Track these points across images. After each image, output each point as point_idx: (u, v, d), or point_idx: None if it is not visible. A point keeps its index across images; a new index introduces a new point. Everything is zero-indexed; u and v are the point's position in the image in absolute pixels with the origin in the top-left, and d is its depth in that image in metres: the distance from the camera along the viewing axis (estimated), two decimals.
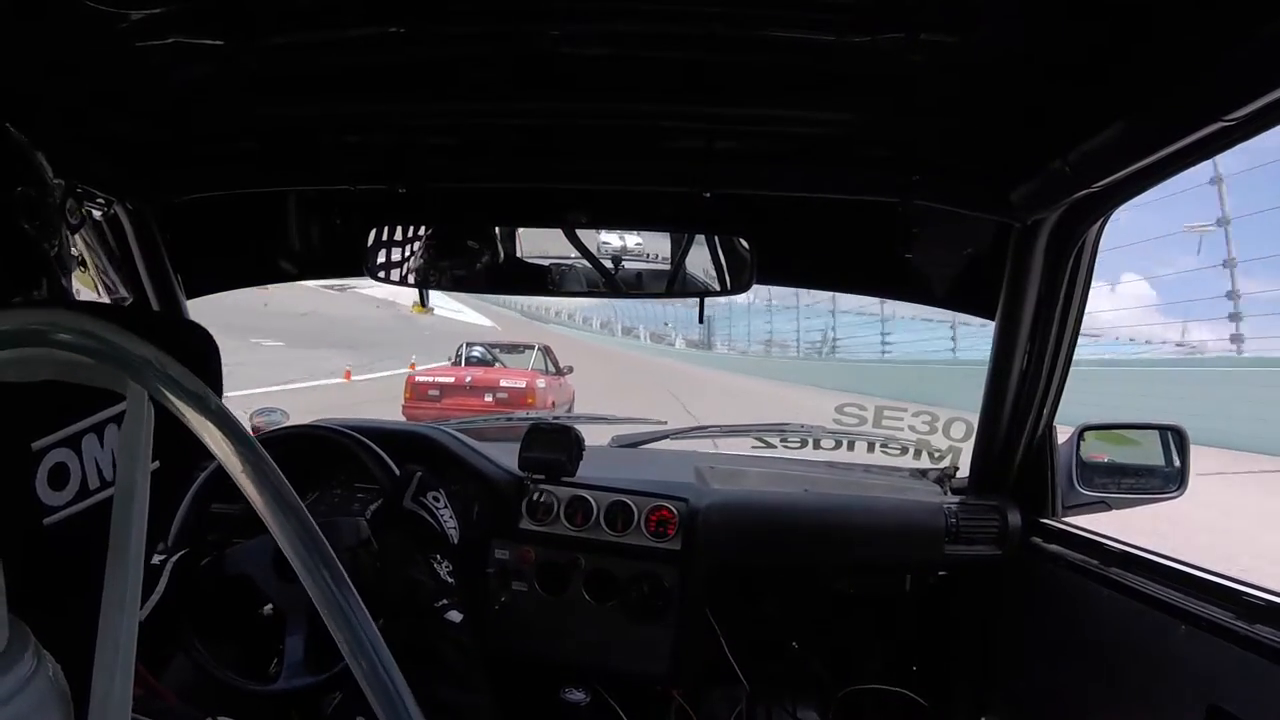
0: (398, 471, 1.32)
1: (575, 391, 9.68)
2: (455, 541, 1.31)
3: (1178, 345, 11.40)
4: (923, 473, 1.70)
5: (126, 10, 0.82)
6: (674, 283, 1.49)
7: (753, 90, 1.07)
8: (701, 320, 1.59)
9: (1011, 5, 0.81)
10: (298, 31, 0.93)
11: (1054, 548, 1.34)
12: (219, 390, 0.76)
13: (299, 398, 9.03)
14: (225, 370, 0.70)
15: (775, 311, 22.62)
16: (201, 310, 1.62)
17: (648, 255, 1.54)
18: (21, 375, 0.37)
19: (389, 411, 6.95)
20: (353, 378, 12.59)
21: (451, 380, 8.29)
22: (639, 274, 1.53)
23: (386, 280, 1.52)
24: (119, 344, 0.36)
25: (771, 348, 23.87)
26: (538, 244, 1.56)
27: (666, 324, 31.83)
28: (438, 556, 1.24)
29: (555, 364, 9.32)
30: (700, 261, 1.48)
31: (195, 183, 1.40)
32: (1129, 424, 1.50)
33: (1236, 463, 7.24)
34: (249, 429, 1.79)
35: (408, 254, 1.52)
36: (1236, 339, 9.78)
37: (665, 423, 2.06)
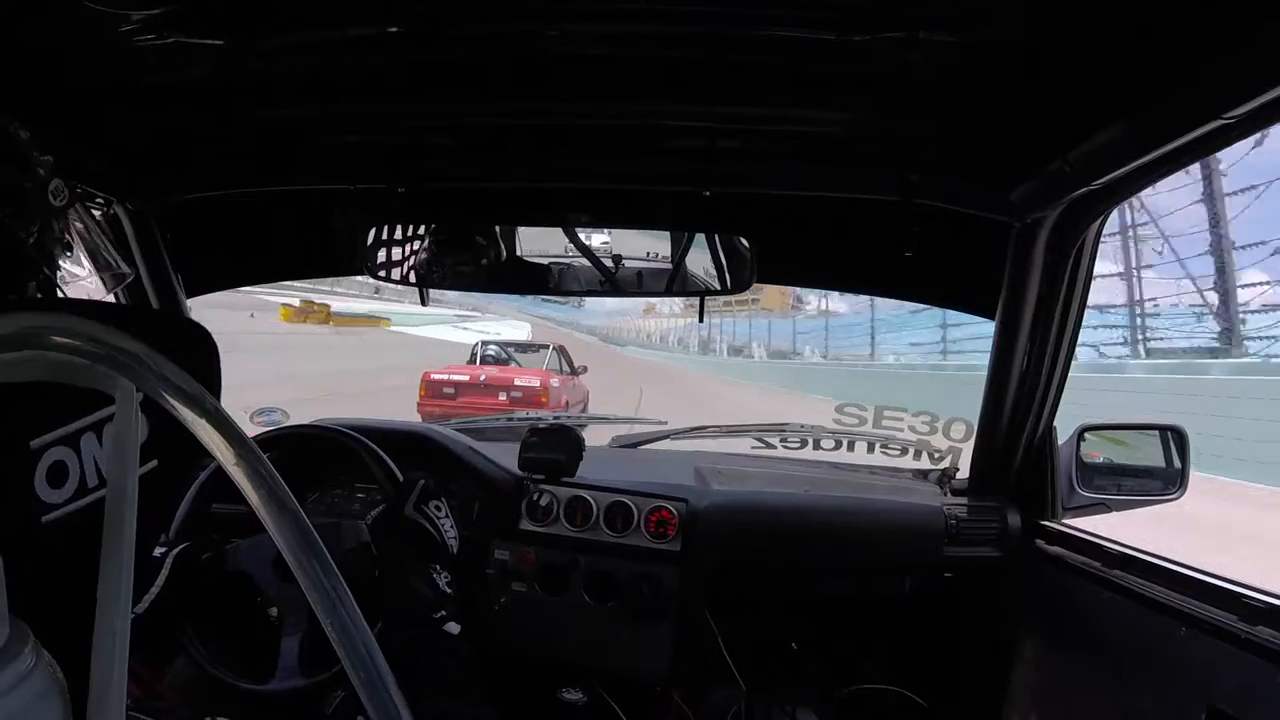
0: (401, 477, 1.32)
1: (589, 391, 9.78)
2: (455, 552, 1.31)
3: None
4: (923, 474, 1.70)
5: (126, 10, 0.82)
6: (674, 282, 1.49)
7: (753, 90, 1.07)
8: (701, 320, 1.59)
9: (1011, 5, 0.81)
10: (297, 31, 0.93)
11: (1054, 549, 1.34)
12: (218, 389, 0.77)
13: None
14: None
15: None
16: None
17: (647, 254, 1.54)
18: (13, 376, 0.37)
19: None
20: None
21: (466, 379, 8.40)
22: (639, 273, 1.53)
23: (387, 279, 1.52)
24: (114, 344, 0.36)
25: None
26: (538, 243, 1.56)
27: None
28: (437, 567, 1.24)
29: (570, 364, 9.48)
30: (700, 260, 1.48)
31: (195, 183, 1.41)
32: (1129, 424, 1.50)
33: None
34: (247, 428, 1.79)
35: (407, 253, 1.53)
36: None
37: (665, 423, 2.06)
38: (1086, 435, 1.39)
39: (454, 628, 1.22)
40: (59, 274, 0.73)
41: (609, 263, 1.50)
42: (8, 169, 0.65)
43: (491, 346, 9.79)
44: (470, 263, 1.52)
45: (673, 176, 1.33)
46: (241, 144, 1.31)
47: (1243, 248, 9.03)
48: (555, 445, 1.54)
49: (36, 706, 0.35)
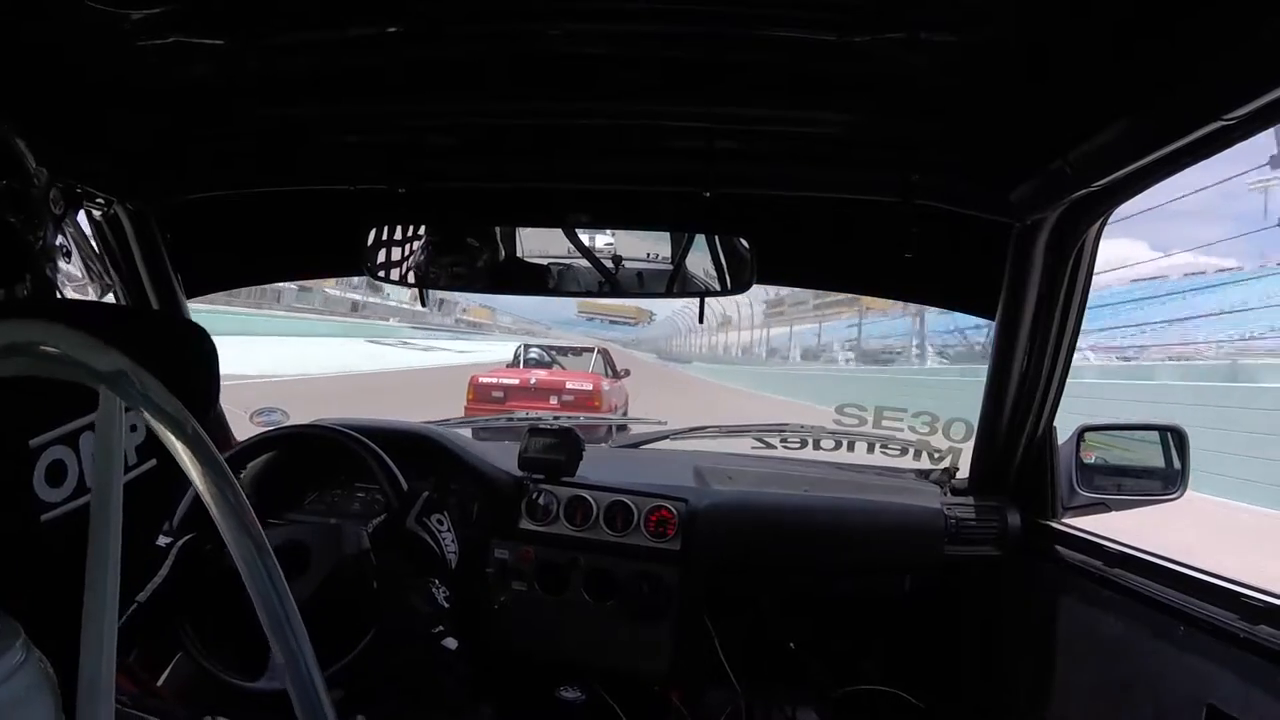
0: (406, 486, 1.32)
1: (629, 394, 9.66)
2: (454, 567, 1.31)
3: None
4: (923, 473, 1.70)
5: (127, 10, 0.82)
6: (674, 282, 1.49)
7: (753, 90, 1.07)
8: (701, 320, 1.58)
9: (1011, 5, 0.81)
10: (297, 31, 0.93)
11: (1053, 549, 1.34)
12: (217, 388, 0.77)
13: None
14: None
15: None
16: None
17: (647, 255, 1.54)
18: (3, 372, 0.37)
19: None
20: None
21: (516, 382, 8.21)
22: (639, 274, 1.53)
23: (386, 279, 1.52)
24: (96, 362, 0.37)
25: None
26: (538, 243, 1.56)
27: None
28: (436, 581, 1.24)
29: (613, 367, 9.36)
30: (701, 261, 1.48)
31: (195, 183, 1.41)
32: (1129, 424, 1.50)
33: None
34: (247, 428, 1.79)
35: (407, 253, 1.53)
36: None
37: (665, 423, 2.06)
38: (1086, 435, 1.39)
39: (451, 643, 1.22)
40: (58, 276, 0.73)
41: (609, 263, 1.50)
42: (12, 178, 0.66)
43: (534, 349, 9.72)
44: (469, 263, 1.52)
45: (672, 177, 1.33)
46: (242, 144, 1.31)
47: None
48: (555, 445, 1.54)
49: (26, 701, 0.35)
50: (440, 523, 1.33)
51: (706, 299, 1.53)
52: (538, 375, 8.46)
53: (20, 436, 0.53)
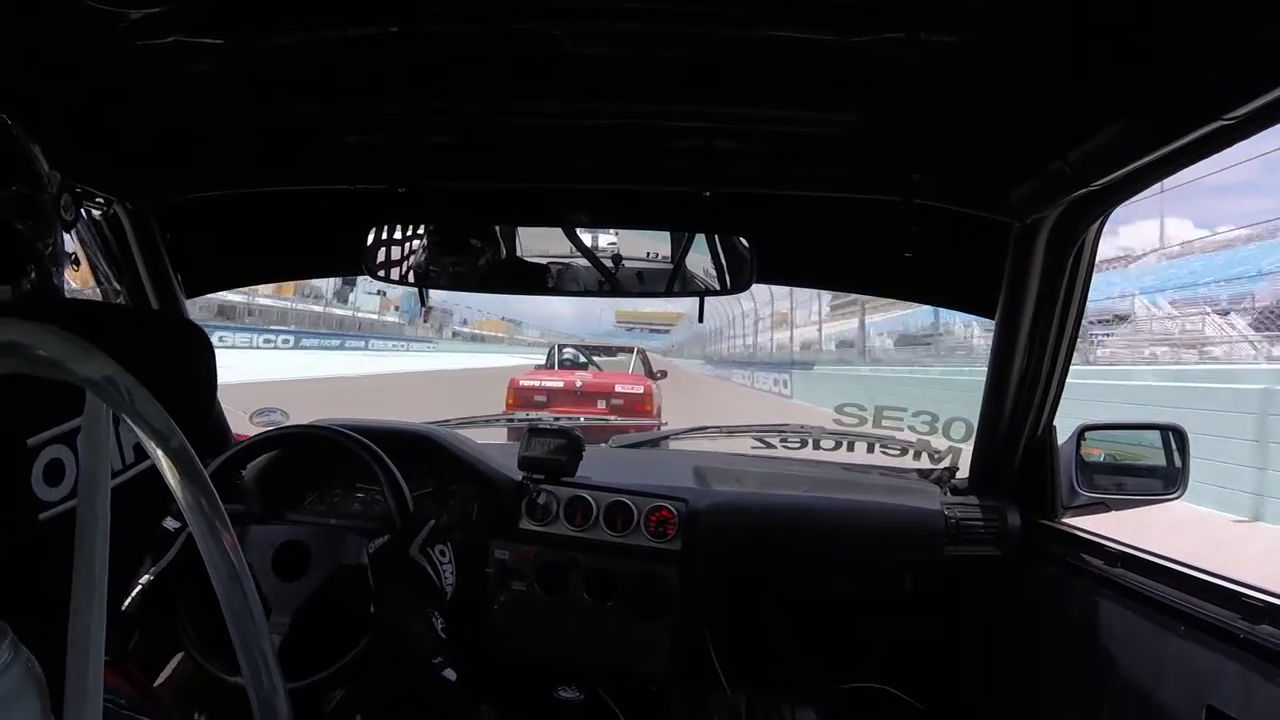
0: (412, 507, 1.32)
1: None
2: (449, 598, 1.32)
3: None
4: (923, 473, 1.70)
5: (126, 10, 0.82)
6: (674, 282, 1.49)
7: (753, 90, 1.07)
8: (701, 320, 1.58)
9: (1011, 5, 0.81)
10: (297, 31, 0.93)
11: (1053, 548, 1.34)
12: (214, 388, 0.77)
13: None
14: None
15: None
16: None
17: (647, 254, 1.54)
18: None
19: None
20: None
21: (560, 385, 7.52)
22: (639, 273, 1.53)
23: (386, 279, 1.52)
24: (77, 367, 0.37)
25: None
26: (538, 243, 1.56)
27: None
28: (435, 612, 1.24)
29: (650, 368, 8.87)
30: (700, 261, 1.48)
31: (195, 183, 1.40)
32: (1129, 424, 1.50)
33: None
34: (247, 428, 1.79)
35: (407, 253, 1.53)
36: None
37: (665, 423, 2.06)
38: (1086, 435, 1.40)
39: (451, 675, 1.22)
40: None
41: (609, 263, 1.50)
42: (27, 184, 0.66)
43: (569, 349, 9.23)
44: (469, 262, 1.52)
45: (672, 177, 1.33)
46: (241, 144, 1.31)
47: None
48: (555, 445, 1.54)
49: (13, 699, 0.35)
50: (443, 554, 1.34)
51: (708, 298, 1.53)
52: (583, 378, 7.82)
53: (18, 435, 0.53)
